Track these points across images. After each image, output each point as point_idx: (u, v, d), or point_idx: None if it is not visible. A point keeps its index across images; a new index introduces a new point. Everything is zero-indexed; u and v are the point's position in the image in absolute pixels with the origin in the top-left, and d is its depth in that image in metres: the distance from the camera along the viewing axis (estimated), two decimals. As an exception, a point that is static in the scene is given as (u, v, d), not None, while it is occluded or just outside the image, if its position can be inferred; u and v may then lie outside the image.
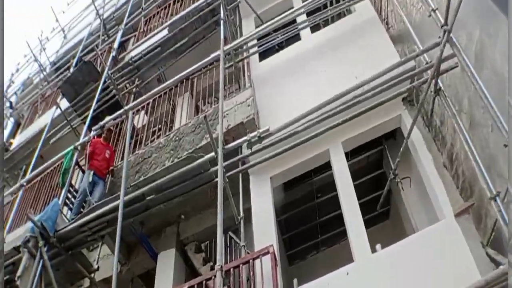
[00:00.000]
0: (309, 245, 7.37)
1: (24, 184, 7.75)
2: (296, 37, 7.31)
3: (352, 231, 4.27)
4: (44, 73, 13.94)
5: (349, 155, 5.40)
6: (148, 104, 7.71)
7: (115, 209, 5.44)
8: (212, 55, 6.93)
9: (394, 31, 5.89)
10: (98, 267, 6.17)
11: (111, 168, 6.76)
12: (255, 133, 5.41)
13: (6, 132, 13.34)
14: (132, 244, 6.61)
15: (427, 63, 4.28)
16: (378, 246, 3.99)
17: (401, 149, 4.48)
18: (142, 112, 7.51)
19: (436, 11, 3.85)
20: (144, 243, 6.33)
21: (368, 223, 4.76)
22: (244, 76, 7.26)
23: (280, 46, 7.50)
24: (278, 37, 7.19)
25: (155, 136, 7.26)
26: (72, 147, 7.14)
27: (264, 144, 5.43)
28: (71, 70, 11.48)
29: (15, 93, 15.22)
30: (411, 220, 5.07)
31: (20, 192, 7.73)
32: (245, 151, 5.51)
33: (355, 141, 5.06)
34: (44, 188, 7.55)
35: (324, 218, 6.99)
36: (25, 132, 11.76)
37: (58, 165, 7.34)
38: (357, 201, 4.47)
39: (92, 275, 6.08)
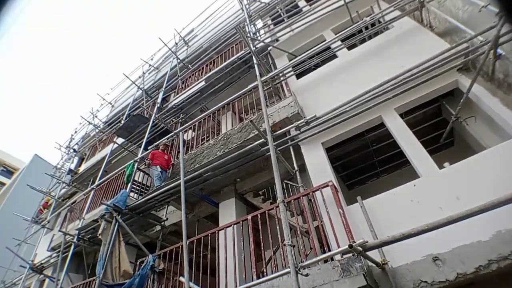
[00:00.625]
0: (368, 175, 6.93)
1: (95, 187, 9.06)
2: (332, 57, 6.87)
3: (415, 157, 3.88)
4: (99, 128, 15.14)
5: (403, 114, 4.59)
6: (195, 125, 7.46)
7: (177, 185, 4.76)
8: (250, 86, 6.91)
9: (439, 30, 5.43)
10: (167, 218, 6.62)
11: (171, 163, 7.16)
12: (303, 120, 4.78)
13: (73, 165, 15.21)
14: (194, 202, 6.74)
15: (481, 42, 4.18)
16: (446, 164, 3.22)
17: (462, 100, 3.72)
18: (190, 131, 6.80)
19: (488, 6, 3.92)
20: (205, 200, 6.47)
21: (432, 153, 3.89)
22: (283, 91, 6.70)
23: (317, 66, 7.06)
24: (313, 61, 6.79)
25: (204, 142, 6.55)
26: (133, 160, 7.78)
27: (312, 125, 5.26)
28: (122, 122, 12.03)
29: (77, 143, 16.63)
30: (481, 142, 4.52)
31: (92, 192, 9.06)
32: (293, 133, 5.42)
33: (409, 105, 4.24)
34: (111, 188, 8.49)
35: (381, 157, 6.53)
36: (89, 162, 13.18)
37: (121, 173, 8.25)
38: (417, 139, 4.08)
39: (163, 222, 6.59)
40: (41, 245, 11.72)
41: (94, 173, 11.91)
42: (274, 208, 3.98)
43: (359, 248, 2.90)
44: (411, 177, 3.81)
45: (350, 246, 2.79)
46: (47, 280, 9.77)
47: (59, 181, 13.70)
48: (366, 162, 6.80)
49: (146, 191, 7.93)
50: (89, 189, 9.51)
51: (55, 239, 9.95)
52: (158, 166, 6.69)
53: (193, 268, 4.55)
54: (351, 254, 3.30)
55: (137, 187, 7.57)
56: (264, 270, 4.18)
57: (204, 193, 6.54)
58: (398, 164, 6.69)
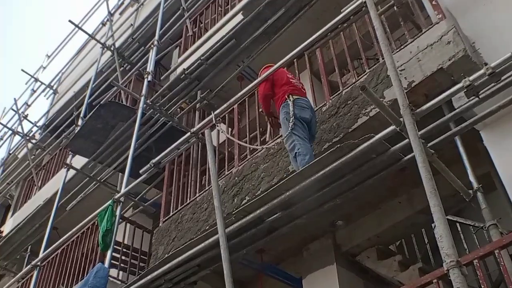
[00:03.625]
0: None
1: (39, 263, 9.89)
2: None
3: None
4: (33, 141, 16.44)
5: None
6: (231, 111, 8.12)
7: (212, 247, 5.93)
8: (347, 10, 6.65)
9: None
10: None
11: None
12: (482, 71, 4.94)
13: None
14: (247, 278, 7.27)
15: None
16: None
17: None
18: (222, 126, 7.28)
19: None
20: (270, 274, 7.00)
21: None
22: (420, 12, 6.96)
23: None
24: None
25: (255, 145, 7.48)
26: (110, 201, 8.27)
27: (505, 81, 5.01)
28: (80, 122, 13.27)
29: None
30: None
31: (35, 273, 9.86)
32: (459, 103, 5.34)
33: None
34: (71, 261, 9.43)
35: None
36: (20, 212, 14.57)
37: (91, 227, 9.13)
38: None
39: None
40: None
41: (33, 235, 12.89)
42: (436, 281, 3.90)
43: None
44: None
45: None
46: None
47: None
48: None
49: (142, 263, 8.20)
50: (29, 266, 10.21)
51: None
52: (290, 101, 6.48)
53: None
54: None
55: (124, 256, 7.97)
56: None
57: (267, 258, 6.71)
58: None
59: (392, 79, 4.91)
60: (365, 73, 6.52)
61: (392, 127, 5.10)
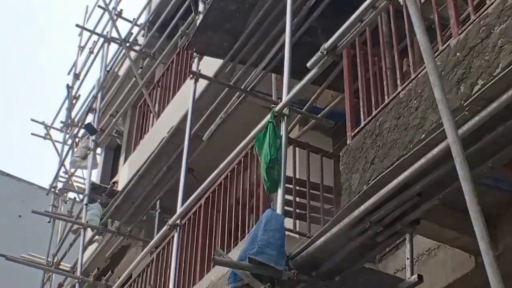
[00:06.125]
0: None
1: (179, 221, 10.80)
2: None
3: None
4: (136, 48, 17.27)
5: None
6: None
7: (436, 164, 5.92)
8: None
9: None
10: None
11: None
12: None
13: (96, 174, 18.77)
14: (493, 210, 7.34)
15: None
16: None
17: None
18: None
19: None
20: None
21: None
22: None
23: None
24: None
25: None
26: (269, 116, 8.52)
27: None
28: (201, 7, 13.57)
29: (90, 108, 19.10)
30: None
31: (175, 236, 10.69)
32: None
33: None
34: (222, 211, 10.17)
35: None
36: (137, 154, 15.52)
37: (240, 163, 9.73)
38: None
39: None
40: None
41: (163, 181, 13.61)
42: None
43: None
44: None
45: None
46: None
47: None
48: None
49: (328, 205, 8.35)
50: (162, 231, 11.13)
51: None
52: None
53: None
54: None
55: (299, 198, 8.31)
56: None
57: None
58: None
59: None
60: None
61: None
